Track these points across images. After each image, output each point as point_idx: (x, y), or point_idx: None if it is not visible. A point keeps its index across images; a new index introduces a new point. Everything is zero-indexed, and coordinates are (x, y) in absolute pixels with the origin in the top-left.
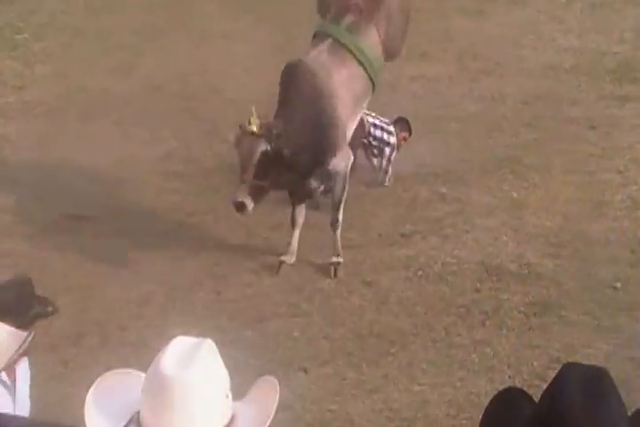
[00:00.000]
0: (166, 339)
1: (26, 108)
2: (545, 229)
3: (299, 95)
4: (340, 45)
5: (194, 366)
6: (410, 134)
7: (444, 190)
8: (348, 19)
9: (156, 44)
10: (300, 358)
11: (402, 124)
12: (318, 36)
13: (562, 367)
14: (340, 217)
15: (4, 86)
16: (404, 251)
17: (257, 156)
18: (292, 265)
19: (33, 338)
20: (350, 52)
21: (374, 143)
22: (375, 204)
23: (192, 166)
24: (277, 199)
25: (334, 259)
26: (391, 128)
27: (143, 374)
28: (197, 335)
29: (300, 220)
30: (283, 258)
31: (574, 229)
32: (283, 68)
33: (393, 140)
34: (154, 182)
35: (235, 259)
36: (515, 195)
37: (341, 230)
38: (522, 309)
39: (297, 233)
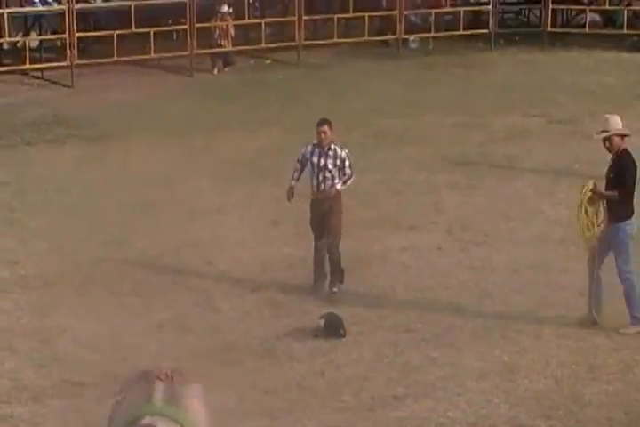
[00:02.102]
0: None
1: (21, 282)
2: (537, 392)
3: None
4: None
5: None
6: (330, 128)
7: (435, 355)
8: None
9: (147, 218)
10: None
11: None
12: None
13: None
14: None
15: None
16: (397, 413)
17: None
18: None
19: None
20: None
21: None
22: (368, 368)
23: (186, 335)
24: (270, 363)
25: None
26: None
27: None
28: None
29: None
30: None
31: (567, 391)
32: None
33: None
34: (149, 350)
35: (229, 421)
36: (506, 359)
37: (335, 393)
38: None
39: None
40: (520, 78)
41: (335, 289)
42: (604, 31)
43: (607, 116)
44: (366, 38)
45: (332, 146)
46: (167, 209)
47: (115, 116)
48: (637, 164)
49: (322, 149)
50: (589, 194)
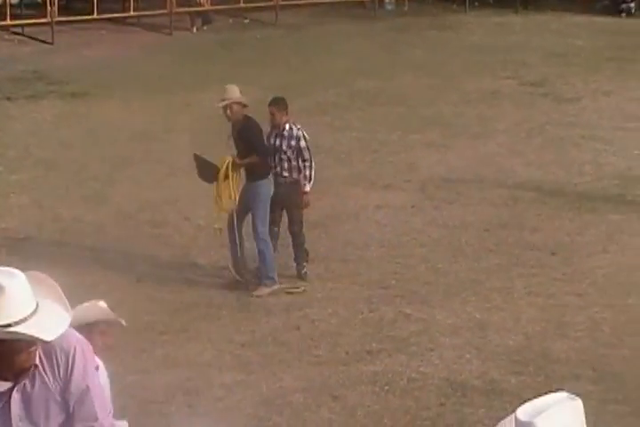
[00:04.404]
0: None
1: (2, 235)
2: (508, 348)
3: None
4: None
5: None
6: (278, 109)
7: (409, 311)
8: None
9: (127, 174)
10: None
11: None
12: None
13: None
14: None
15: None
16: (371, 367)
17: None
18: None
19: None
20: None
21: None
22: (342, 323)
23: (163, 289)
24: (246, 318)
25: None
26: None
27: None
28: None
29: None
30: None
31: (537, 347)
32: None
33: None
34: (127, 303)
35: (206, 374)
36: (478, 316)
37: (310, 347)
38: (486, 422)
39: None
40: (493, 41)
41: (305, 271)
42: None
43: (226, 86)
44: None
45: (287, 126)
46: (146, 165)
47: (94, 73)
48: None
49: (277, 129)
50: (230, 160)
